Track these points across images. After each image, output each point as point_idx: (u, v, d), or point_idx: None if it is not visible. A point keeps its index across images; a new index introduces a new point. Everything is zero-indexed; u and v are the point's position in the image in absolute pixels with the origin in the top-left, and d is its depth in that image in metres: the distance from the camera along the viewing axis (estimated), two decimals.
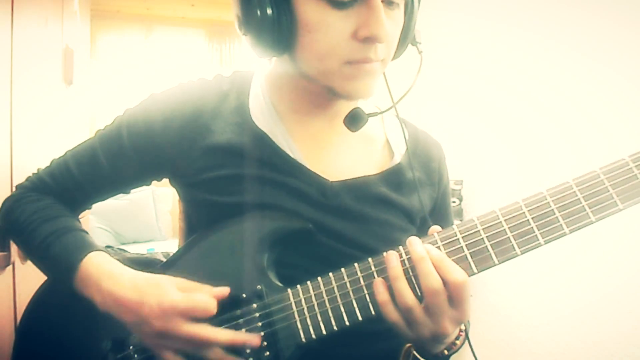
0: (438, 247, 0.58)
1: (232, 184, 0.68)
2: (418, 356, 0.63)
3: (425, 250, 0.56)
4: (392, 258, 0.57)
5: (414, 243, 0.57)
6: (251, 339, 0.59)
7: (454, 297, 0.55)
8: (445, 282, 0.54)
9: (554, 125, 1.51)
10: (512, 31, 1.67)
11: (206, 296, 0.59)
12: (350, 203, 0.69)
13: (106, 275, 0.63)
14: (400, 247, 0.60)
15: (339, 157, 0.72)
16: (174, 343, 0.59)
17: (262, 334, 0.61)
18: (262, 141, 0.69)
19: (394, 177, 0.73)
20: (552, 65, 1.52)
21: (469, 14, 1.88)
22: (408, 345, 0.64)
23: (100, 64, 3.51)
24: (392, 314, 0.57)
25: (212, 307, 0.59)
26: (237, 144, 0.69)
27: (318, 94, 0.69)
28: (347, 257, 0.67)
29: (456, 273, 0.54)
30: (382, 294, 0.57)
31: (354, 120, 0.67)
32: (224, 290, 0.61)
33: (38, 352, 0.69)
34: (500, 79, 1.71)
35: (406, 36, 0.68)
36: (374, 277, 0.59)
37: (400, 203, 0.72)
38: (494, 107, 1.74)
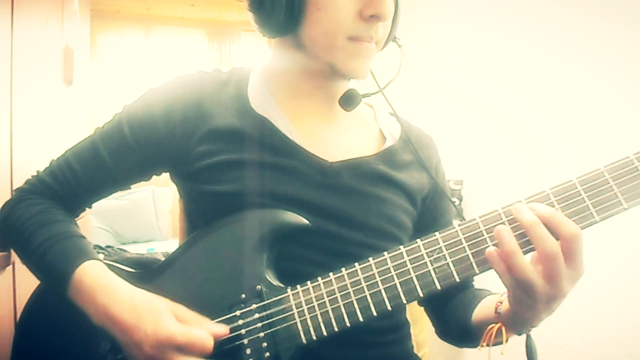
0: (551, 204, 0.56)
1: (232, 170, 0.68)
2: (504, 333, 0.61)
3: (535, 215, 0.54)
4: (504, 233, 0.54)
5: (521, 209, 0.55)
6: None
7: (569, 251, 0.52)
8: (560, 237, 0.52)
9: (554, 125, 1.50)
10: (512, 31, 1.67)
11: (205, 333, 0.58)
12: (350, 181, 0.70)
13: (101, 288, 0.62)
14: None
15: (335, 140, 0.74)
16: None
17: (262, 335, 0.60)
18: (262, 124, 0.70)
19: (389, 156, 0.75)
20: (552, 65, 1.52)
21: (469, 14, 1.88)
22: (497, 325, 0.63)
23: (100, 64, 3.50)
24: (511, 283, 0.54)
25: (209, 345, 0.57)
26: (237, 128, 0.70)
27: (316, 75, 0.72)
28: (349, 243, 0.68)
29: (569, 226, 0.52)
30: (499, 264, 0.54)
31: (348, 100, 0.72)
32: (224, 330, 0.60)
33: (37, 352, 0.69)
34: (500, 79, 1.71)
35: (394, 28, 0.72)
36: (375, 278, 0.59)
37: (399, 180, 0.74)
38: (494, 107, 1.74)
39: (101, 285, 0.62)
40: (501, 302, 0.63)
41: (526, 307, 0.56)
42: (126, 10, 3.62)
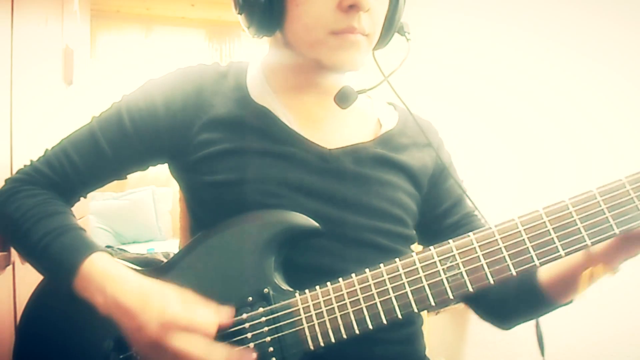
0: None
1: (233, 158, 0.68)
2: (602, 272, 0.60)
3: None
4: None
5: None
6: (246, 356, 0.58)
7: None
8: None
9: (554, 126, 1.50)
10: (512, 31, 1.67)
11: (209, 315, 0.58)
12: (351, 166, 0.71)
13: (111, 278, 0.62)
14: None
15: (334, 129, 0.74)
16: (167, 356, 0.57)
17: (269, 339, 0.60)
18: (262, 113, 0.71)
19: (387, 140, 0.76)
20: (552, 65, 1.52)
21: (469, 14, 1.88)
22: (595, 268, 0.60)
23: (100, 64, 3.50)
24: None
25: (213, 327, 0.57)
26: (237, 116, 0.70)
27: (309, 71, 0.72)
28: (352, 226, 0.68)
29: None
30: None
31: (344, 97, 0.71)
32: (229, 313, 0.60)
33: (39, 352, 0.68)
34: (500, 79, 1.71)
35: (392, 19, 0.71)
36: (386, 285, 0.58)
37: (400, 161, 0.74)
38: (494, 107, 1.74)
39: (111, 276, 0.62)
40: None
41: None
42: (126, 10, 3.62)
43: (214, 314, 0.59)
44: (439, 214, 0.80)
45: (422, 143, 0.79)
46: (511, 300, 0.73)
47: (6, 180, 0.74)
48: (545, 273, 0.68)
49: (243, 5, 0.68)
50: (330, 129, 0.74)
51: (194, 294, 0.61)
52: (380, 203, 0.71)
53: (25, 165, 0.75)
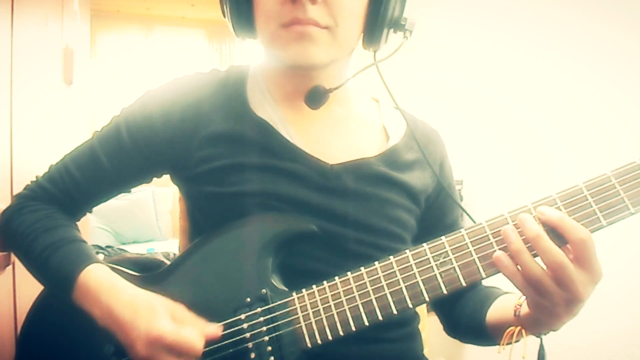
0: (558, 208, 0.55)
1: (233, 173, 0.68)
2: (524, 335, 0.61)
3: (538, 228, 0.53)
4: (510, 232, 0.54)
5: (526, 220, 0.54)
6: None
7: (579, 257, 0.52)
8: (569, 242, 0.52)
9: (553, 125, 1.50)
10: (512, 31, 1.67)
11: (196, 334, 0.57)
12: (352, 184, 0.70)
13: (106, 289, 0.62)
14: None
15: (336, 141, 0.73)
16: None
17: (267, 339, 0.60)
18: (262, 128, 0.70)
19: (392, 157, 0.74)
20: (552, 65, 1.52)
21: (469, 14, 1.88)
22: (517, 328, 0.62)
23: (100, 64, 3.51)
24: (523, 285, 0.54)
25: (198, 347, 0.57)
26: (237, 132, 0.69)
27: (288, 73, 0.72)
28: (353, 242, 0.68)
29: (579, 231, 0.52)
30: (508, 267, 0.54)
31: (312, 97, 0.69)
32: (216, 331, 0.60)
33: (40, 355, 0.69)
34: (500, 79, 1.71)
35: (376, 14, 0.66)
36: (381, 282, 0.59)
37: (401, 180, 0.73)
38: (494, 107, 1.74)
39: (106, 287, 0.62)
40: (520, 305, 0.62)
41: (546, 310, 0.55)
42: (126, 10, 3.63)
43: (201, 332, 0.58)
44: (433, 232, 0.79)
45: (427, 159, 0.77)
46: (463, 326, 0.76)
47: (14, 197, 0.75)
48: (490, 316, 0.70)
49: (224, 11, 0.70)
50: (332, 140, 0.73)
51: (184, 309, 0.60)
52: (380, 221, 0.70)
53: (31, 182, 0.76)
